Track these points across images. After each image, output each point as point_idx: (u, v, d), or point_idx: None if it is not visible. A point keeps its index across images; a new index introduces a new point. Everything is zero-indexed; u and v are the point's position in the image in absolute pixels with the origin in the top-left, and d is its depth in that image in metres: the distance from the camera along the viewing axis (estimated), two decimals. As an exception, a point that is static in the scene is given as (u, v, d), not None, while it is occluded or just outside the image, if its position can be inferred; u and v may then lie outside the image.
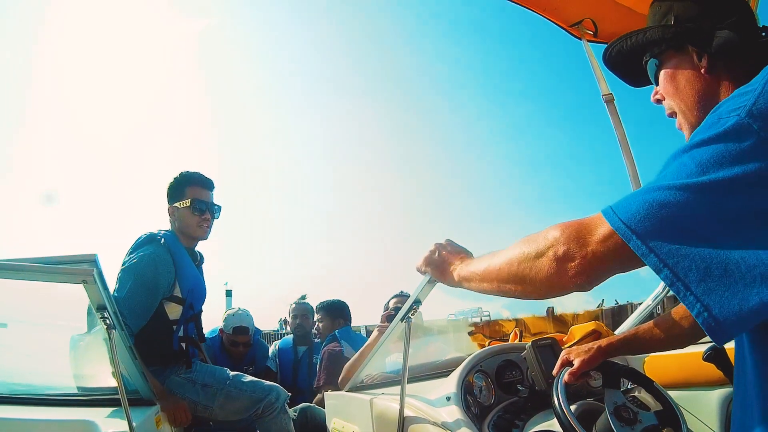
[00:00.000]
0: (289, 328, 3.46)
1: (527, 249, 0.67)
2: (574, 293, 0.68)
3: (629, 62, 0.89)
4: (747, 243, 0.49)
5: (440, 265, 0.99)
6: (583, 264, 0.60)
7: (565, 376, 1.08)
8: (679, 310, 1.13)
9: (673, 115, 0.83)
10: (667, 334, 1.12)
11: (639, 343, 1.15)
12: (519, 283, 0.70)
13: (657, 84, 0.84)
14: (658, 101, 0.85)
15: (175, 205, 1.89)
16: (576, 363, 1.10)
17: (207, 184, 1.94)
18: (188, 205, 1.87)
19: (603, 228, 0.58)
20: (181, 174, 1.94)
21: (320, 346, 3.04)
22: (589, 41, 1.65)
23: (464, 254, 0.97)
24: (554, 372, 1.12)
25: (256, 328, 3.07)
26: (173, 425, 1.68)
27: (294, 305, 3.31)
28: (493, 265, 0.76)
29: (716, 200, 0.50)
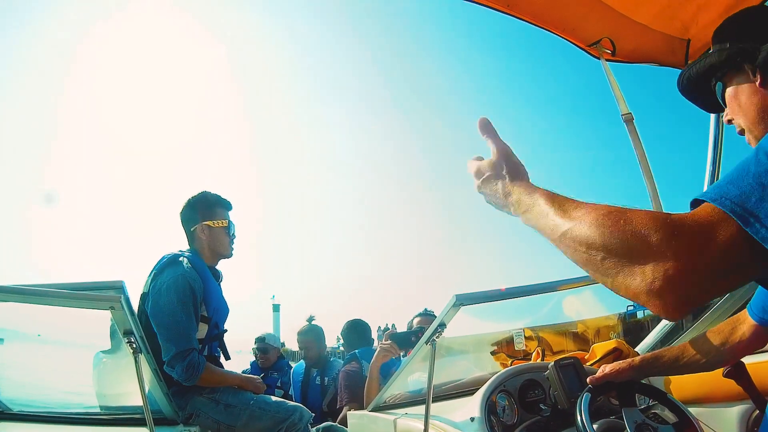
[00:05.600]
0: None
1: (617, 244, 0.57)
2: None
3: (701, 89, 1.00)
4: None
5: (494, 193, 0.81)
6: (693, 292, 0.53)
7: (588, 378, 1.19)
8: (722, 327, 1.19)
9: (742, 132, 0.93)
10: (700, 356, 1.19)
11: (670, 363, 1.22)
12: (599, 278, 0.61)
13: (726, 105, 0.96)
14: (729, 122, 0.96)
15: (207, 223, 2.05)
16: (606, 369, 1.19)
17: (231, 207, 2.15)
18: (224, 225, 2.07)
19: (724, 225, 0.52)
20: (214, 195, 2.12)
21: (334, 365, 3.44)
22: (607, 60, 1.75)
23: (518, 179, 0.79)
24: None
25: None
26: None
27: (298, 337, 3.66)
28: (568, 241, 0.64)
29: None
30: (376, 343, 3.18)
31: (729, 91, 0.93)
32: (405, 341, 2.01)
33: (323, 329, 3.65)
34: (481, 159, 0.85)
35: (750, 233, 0.50)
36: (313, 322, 3.68)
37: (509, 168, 0.80)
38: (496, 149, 0.82)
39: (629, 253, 0.56)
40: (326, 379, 3.44)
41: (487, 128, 0.84)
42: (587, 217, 0.62)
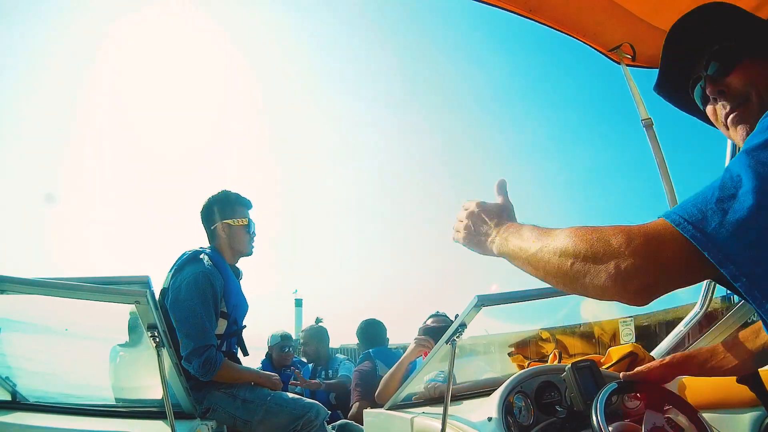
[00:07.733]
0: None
1: (584, 249, 0.66)
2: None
3: (685, 71, 0.90)
4: None
5: (474, 236, 0.93)
6: (650, 282, 0.60)
7: (621, 374, 1.20)
8: (746, 334, 1.18)
9: (736, 108, 0.82)
10: (728, 360, 1.17)
11: (700, 365, 1.19)
12: (568, 283, 0.70)
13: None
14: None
15: (228, 222, 2.11)
16: (638, 369, 1.18)
17: (251, 205, 2.21)
18: (245, 224, 2.13)
19: (675, 241, 0.59)
20: (235, 194, 2.18)
21: (335, 360, 3.67)
22: (627, 65, 1.79)
23: (500, 217, 0.92)
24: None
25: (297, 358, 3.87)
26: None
27: (302, 333, 3.90)
28: (542, 254, 0.73)
29: None
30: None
31: (756, 58, 0.81)
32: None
33: (327, 330, 3.88)
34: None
35: (707, 256, 0.56)
36: (320, 324, 3.91)
37: (507, 215, 0.93)
38: (501, 202, 0.96)
39: (594, 256, 0.65)
40: (329, 372, 3.60)
41: (502, 188, 0.99)
42: (561, 233, 0.72)
